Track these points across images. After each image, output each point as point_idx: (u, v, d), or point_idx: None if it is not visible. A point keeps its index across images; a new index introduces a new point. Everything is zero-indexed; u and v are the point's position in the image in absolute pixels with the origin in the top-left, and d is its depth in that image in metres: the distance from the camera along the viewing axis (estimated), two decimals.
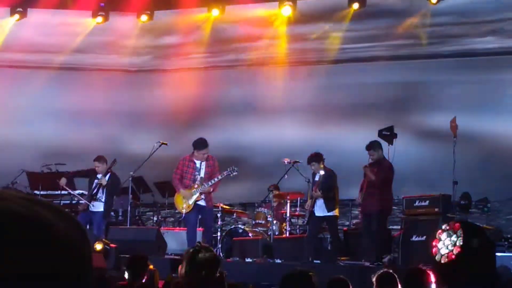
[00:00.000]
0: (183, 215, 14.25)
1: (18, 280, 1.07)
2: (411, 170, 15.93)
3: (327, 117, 18.27)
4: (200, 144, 14.07)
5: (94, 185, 14.83)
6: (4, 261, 1.07)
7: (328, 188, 13.90)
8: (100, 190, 14.83)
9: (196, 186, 14.00)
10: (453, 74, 17.40)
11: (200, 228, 14.20)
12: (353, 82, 18.25)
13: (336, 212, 14.05)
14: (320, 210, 13.97)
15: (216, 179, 14.02)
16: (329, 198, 13.91)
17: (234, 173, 14.06)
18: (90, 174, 15.04)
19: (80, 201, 15.04)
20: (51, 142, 18.64)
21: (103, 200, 14.77)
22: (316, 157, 14.08)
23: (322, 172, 13.99)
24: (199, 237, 13.65)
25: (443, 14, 17.56)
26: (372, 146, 13.82)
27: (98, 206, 14.73)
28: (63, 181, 14.98)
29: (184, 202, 14.02)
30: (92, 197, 14.75)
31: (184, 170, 14.14)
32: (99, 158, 15.05)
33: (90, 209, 14.66)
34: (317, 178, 14.09)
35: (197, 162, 14.09)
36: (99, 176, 14.88)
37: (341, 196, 14.33)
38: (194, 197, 14.00)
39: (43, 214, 1.13)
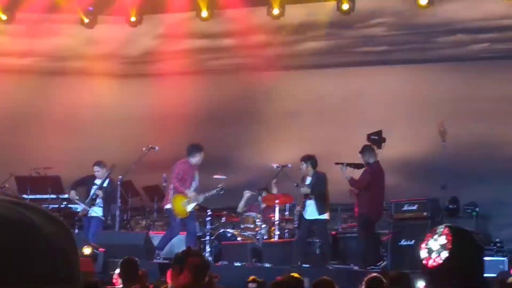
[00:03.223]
0: (177, 219, 14.21)
1: (4, 285, 1.07)
2: (400, 174, 15.96)
3: (321, 120, 18.29)
4: (200, 147, 14.23)
5: (93, 191, 14.90)
6: None
7: (319, 190, 13.92)
8: (98, 193, 14.94)
9: (194, 195, 14.09)
10: (442, 78, 17.45)
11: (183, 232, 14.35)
12: (347, 86, 18.27)
13: (326, 216, 14.07)
14: (310, 213, 13.99)
15: (209, 194, 14.23)
16: (319, 200, 13.93)
17: (221, 192, 14.31)
18: (89, 180, 15.13)
19: (70, 206, 15.09)
20: (40, 147, 18.58)
21: (101, 205, 14.87)
22: (308, 159, 14.11)
23: (309, 176, 14.06)
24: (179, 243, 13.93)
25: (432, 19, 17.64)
26: (362, 150, 13.92)
27: (96, 211, 14.82)
28: (72, 194, 15.04)
29: (184, 207, 14.08)
30: (92, 203, 14.83)
31: (187, 173, 14.17)
32: (99, 163, 15.12)
33: (88, 214, 14.76)
34: (307, 182, 14.12)
35: (195, 171, 14.19)
36: (97, 181, 14.95)
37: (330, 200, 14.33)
38: (193, 205, 14.13)
39: (30, 217, 1.12)
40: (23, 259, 1.09)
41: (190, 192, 14.03)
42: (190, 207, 14.09)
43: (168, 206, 14.26)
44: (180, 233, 14.51)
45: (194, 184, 14.22)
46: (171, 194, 14.18)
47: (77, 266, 1.17)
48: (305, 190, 13.97)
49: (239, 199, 16.18)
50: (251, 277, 9.19)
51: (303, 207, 14.04)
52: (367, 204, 13.56)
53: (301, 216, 14.17)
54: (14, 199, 1.16)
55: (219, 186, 14.35)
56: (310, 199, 13.97)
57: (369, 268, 12.97)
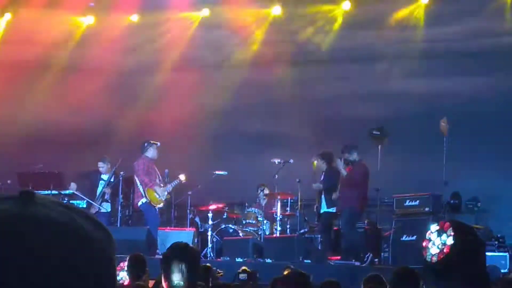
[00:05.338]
0: (156, 210, 14.74)
1: (58, 285, 1.10)
2: (402, 170, 15.93)
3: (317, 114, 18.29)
4: (151, 142, 14.88)
5: (100, 187, 15.01)
6: (47, 267, 1.09)
7: (330, 184, 14.06)
8: (106, 191, 15.04)
9: (162, 185, 14.73)
10: (441, 72, 17.45)
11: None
12: (335, 79, 18.27)
13: (334, 209, 14.17)
14: (323, 207, 14.25)
15: (174, 183, 14.90)
16: (328, 194, 14.11)
17: (182, 182, 15.05)
18: (93, 175, 15.23)
19: (73, 202, 15.10)
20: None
21: (109, 200, 15.06)
22: (324, 155, 14.25)
23: (324, 172, 14.23)
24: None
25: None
26: (349, 149, 13.94)
27: (105, 207, 14.93)
28: (73, 186, 15.10)
29: (158, 198, 14.62)
30: (102, 199, 14.96)
31: (151, 167, 14.76)
32: (104, 159, 15.24)
33: (99, 210, 14.87)
34: (322, 177, 14.33)
35: (154, 165, 14.90)
36: (103, 176, 15.09)
37: None
38: (165, 194, 14.76)
39: (79, 222, 1.16)
40: (75, 261, 1.12)
41: (159, 189, 14.70)
42: (163, 196, 14.72)
43: (143, 200, 14.53)
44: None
45: (158, 178, 14.79)
46: (141, 190, 14.56)
47: (115, 265, 1.22)
48: (316, 185, 14.23)
49: (240, 195, 16.22)
50: (242, 268, 9.23)
51: (320, 202, 14.33)
52: (355, 200, 13.62)
53: (319, 212, 14.48)
54: (62, 202, 1.18)
55: (179, 176, 14.91)
56: (323, 194, 14.23)
57: (366, 261, 13.13)
